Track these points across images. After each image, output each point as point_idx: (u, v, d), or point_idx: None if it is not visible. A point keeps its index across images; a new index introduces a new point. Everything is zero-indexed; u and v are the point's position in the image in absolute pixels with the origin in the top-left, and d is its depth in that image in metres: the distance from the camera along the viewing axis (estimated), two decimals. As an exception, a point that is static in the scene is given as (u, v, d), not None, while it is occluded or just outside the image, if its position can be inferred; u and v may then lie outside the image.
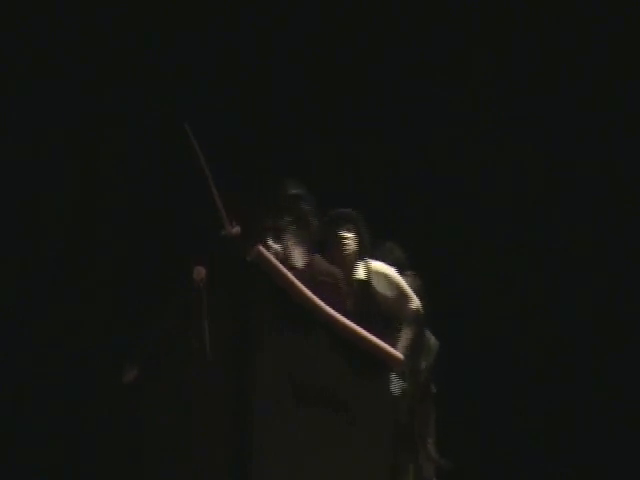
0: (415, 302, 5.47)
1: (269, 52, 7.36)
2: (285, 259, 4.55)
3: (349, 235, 5.39)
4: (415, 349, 5.52)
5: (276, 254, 4.50)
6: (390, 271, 5.47)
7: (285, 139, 7.24)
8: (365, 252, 5.42)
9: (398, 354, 4.61)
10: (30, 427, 6.61)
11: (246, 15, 7.36)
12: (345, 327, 4.39)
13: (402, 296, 5.46)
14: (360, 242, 5.41)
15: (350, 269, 5.37)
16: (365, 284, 5.35)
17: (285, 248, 4.63)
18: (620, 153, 7.36)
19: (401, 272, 5.64)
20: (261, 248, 4.06)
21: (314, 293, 4.24)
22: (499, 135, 7.38)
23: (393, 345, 4.86)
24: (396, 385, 5.46)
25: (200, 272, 4.04)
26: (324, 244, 5.23)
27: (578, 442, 7.21)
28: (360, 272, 5.38)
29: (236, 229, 4.08)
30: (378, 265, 5.45)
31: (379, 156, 7.40)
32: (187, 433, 4.20)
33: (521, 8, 7.41)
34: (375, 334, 4.48)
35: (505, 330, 7.33)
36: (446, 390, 6.15)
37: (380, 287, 5.42)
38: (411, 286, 5.58)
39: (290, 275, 4.21)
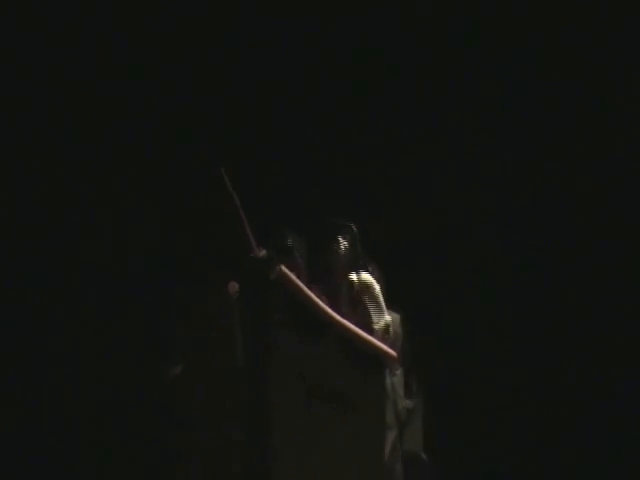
0: (384, 319, 5.99)
1: (269, 52, 7.70)
2: None
3: (343, 245, 5.97)
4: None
5: None
6: (374, 285, 6.03)
7: (285, 139, 7.70)
8: (357, 262, 6.03)
9: (393, 352, 5.43)
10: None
11: (246, 15, 7.68)
12: (351, 331, 5.18)
13: (378, 310, 6.02)
14: (353, 253, 5.99)
15: (342, 274, 5.99)
16: (357, 293, 5.96)
17: None
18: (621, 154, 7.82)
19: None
20: (283, 267, 4.81)
21: None
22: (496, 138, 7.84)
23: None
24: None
25: (234, 286, 4.79)
26: (322, 249, 5.93)
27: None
28: (355, 280, 5.97)
29: (262, 252, 4.80)
30: (366, 276, 6.02)
31: (377, 157, 7.87)
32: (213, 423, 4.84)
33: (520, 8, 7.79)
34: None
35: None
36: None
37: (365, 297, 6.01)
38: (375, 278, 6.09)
39: (306, 288, 4.98)
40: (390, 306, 6.18)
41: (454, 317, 7.88)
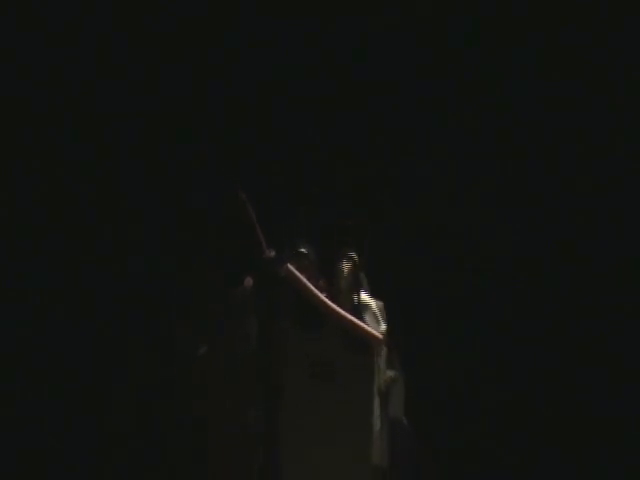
0: (381, 329, 6.36)
1: (269, 52, 7.77)
2: None
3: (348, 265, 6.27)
4: None
5: None
6: (372, 304, 6.40)
7: (285, 139, 7.76)
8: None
9: (379, 335, 6.07)
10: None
11: (246, 15, 7.74)
12: (347, 320, 5.83)
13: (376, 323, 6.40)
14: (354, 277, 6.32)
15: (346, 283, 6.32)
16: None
17: None
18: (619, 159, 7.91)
19: None
20: (290, 266, 5.41)
21: None
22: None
23: None
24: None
25: (249, 281, 5.44)
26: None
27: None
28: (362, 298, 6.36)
29: (272, 253, 5.34)
30: (364, 297, 6.38)
31: (377, 157, 7.93)
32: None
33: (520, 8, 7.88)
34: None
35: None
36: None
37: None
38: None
39: (309, 284, 5.58)
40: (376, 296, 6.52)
41: (454, 317, 7.92)
